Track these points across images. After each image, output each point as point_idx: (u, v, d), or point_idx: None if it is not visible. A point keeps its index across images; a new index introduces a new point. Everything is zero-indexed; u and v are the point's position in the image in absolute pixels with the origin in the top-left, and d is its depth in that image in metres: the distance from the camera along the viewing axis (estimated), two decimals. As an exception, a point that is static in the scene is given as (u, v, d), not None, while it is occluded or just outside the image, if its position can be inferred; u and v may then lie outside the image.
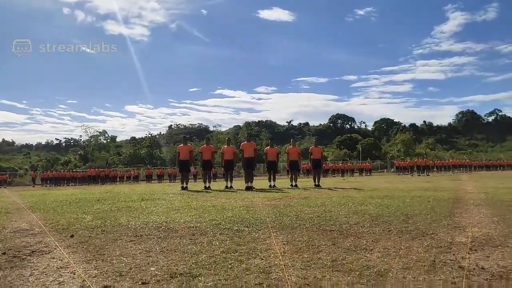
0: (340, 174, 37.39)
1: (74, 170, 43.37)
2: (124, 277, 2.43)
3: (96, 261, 2.85)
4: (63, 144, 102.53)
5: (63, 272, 2.59)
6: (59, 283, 2.35)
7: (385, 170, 47.77)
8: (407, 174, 32.08)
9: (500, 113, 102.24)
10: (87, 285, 2.28)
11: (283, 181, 15.71)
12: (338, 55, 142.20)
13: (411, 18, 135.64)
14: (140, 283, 2.31)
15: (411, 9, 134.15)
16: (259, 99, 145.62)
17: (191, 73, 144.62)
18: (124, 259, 2.87)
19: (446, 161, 40.84)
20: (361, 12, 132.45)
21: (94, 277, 2.45)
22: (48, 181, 35.71)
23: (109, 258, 2.92)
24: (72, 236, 3.85)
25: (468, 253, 3.00)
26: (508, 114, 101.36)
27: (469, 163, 39.87)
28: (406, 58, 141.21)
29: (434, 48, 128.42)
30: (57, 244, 3.47)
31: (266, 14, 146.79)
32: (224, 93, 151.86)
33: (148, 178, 37.74)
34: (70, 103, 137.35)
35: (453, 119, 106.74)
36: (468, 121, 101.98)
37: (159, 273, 2.49)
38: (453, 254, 2.97)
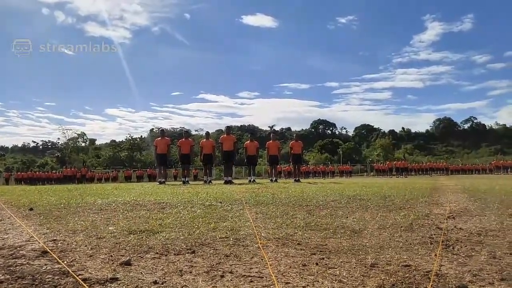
0: (321, 176, 37.51)
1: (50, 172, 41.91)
2: (78, 234, 2.21)
3: (50, 224, 2.61)
4: (40, 146, 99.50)
5: (10, 232, 2.35)
6: (2, 239, 2.11)
7: (365, 173, 48.23)
8: (386, 177, 32.45)
9: (475, 121, 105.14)
10: (34, 239, 2.05)
11: (263, 181, 15.59)
12: (320, 62, 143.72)
13: (391, 27, 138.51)
14: (94, 238, 2.09)
15: (391, 18, 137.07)
16: (242, 104, 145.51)
17: (173, 77, 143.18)
18: (82, 222, 2.64)
19: (424, 164, 41.59)
20: (342, 20, 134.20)
21: (43, 234, 2.22)
22: (22, 182, 34.40)
23: (65, 222, 2.69)
24: (31, 209, 3.58)
25: (446, 220, 2.90)
26: (483, 122, 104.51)
27: (446, 166, 40.68)
28: (386, 66, 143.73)
29: (413, 57, 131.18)
30: (12, 215, 3.20)
31: (250, 19, 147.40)
32: (207, 97, 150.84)
33: (127, 179, 36.86)
34: (48, 105, 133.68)
35: (430, 126, 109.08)
36: (445, 128, 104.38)
37: (117, 230, 2.28)
38: (431, 220, 2.87)
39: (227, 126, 13.06)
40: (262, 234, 2.20)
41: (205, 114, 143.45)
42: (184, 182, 11.15)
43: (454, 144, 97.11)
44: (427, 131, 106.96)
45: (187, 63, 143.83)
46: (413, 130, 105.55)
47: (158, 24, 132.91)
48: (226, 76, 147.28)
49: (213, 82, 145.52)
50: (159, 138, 11.77)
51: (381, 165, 39.93)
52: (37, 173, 37.82)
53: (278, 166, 14.92)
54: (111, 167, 51.75)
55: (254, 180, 11.57)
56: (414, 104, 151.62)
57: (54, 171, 42.75)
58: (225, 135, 11.58)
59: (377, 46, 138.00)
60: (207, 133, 12.86)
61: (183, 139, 11.89)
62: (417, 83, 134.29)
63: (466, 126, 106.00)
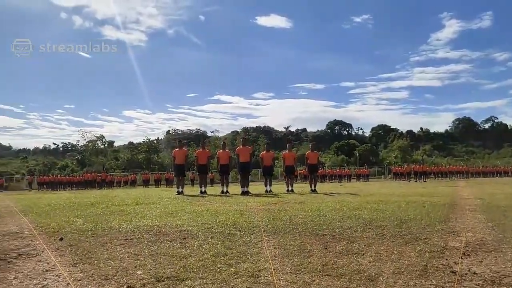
0: (338, 180, 37.34)
1: (71, 175, 43.16)
2: (110, 281, 2.38)
3: (83, 264, 2.80)
4: (61, 148, 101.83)
5: (48, 275, 2.54)
6: (42, 286, 2.30)
7: (383, 176, 47.77)
8: (404, 180, 32.07)
9: (496, 120, 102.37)
10: (71, 288, 2.23)
11: (279, 187, 15.69)
12: (335, 61, 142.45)
13: (408, 25, 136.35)
14: (125, 287, 2.26)
15: (408, 17, 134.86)
16: (257, 105, 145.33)
17: (189, 79, 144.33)
18: (112, 262, 2.82)
19: (443, 167, 40.90)
20: (358, 20, 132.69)
21: (79, 280, 2.40)
22: (44, 186, 35.52)
23: (96, 261, 2.87)
24: (61, 239, 3.80)
25: (461, 258, 2.96)
26: (504, 122, 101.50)
27: (466, 170, 39.90)
28: (403, 65, 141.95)
29: (431, 55, 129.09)
30: (45, 247, 3.41)
31: (264, 20, 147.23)
32: (222, 98, 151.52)
33: (145, 183, 37.57)
34: (68, 108, 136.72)
35: (449, 126, 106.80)
36: (465, 128, 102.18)
37: (146, 276, 2.44)
38: (446, 259, 2.93)
39: (243, 138, 13.33)
40: (281, 283, 2.32)
41: (221, 115, 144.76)
42: (201, 192, 11.49)
43: (474, 145, 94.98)
44: (446, 131, 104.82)
45: (202, 65, 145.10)
46: (431, 130, 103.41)
47: (173, 27, 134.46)
48: (241, 77, 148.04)
49: (228, 83, 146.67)
50: (177, 149, 12.17)
51: (399, 168, 39.45)
52: (59, 177, 38.90)
53: (295, 171, 14.98)
54: (129, 169, 52.79)
55: (270, 190, 11.74)
56: (433, 103, 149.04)
57: (74, 174, 44.00)
58: (241, 147, 11.81)
59: (394, 45, 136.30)
60: (224, 143, 13.15)
61: (200, 150, 12.31)
62: (435, 82, 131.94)
63: (486, 125, 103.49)
